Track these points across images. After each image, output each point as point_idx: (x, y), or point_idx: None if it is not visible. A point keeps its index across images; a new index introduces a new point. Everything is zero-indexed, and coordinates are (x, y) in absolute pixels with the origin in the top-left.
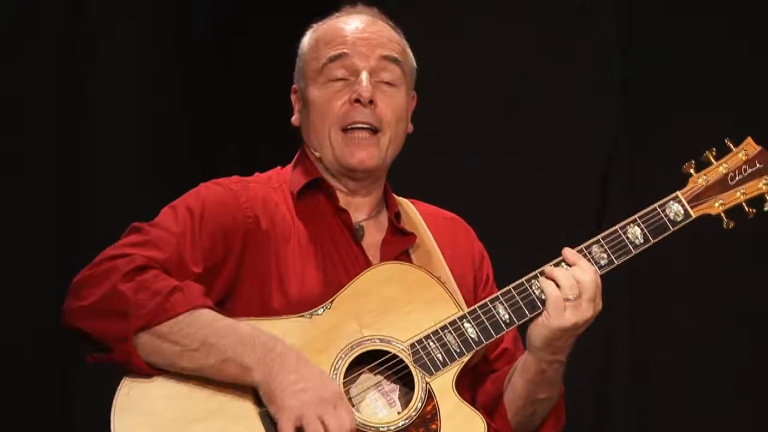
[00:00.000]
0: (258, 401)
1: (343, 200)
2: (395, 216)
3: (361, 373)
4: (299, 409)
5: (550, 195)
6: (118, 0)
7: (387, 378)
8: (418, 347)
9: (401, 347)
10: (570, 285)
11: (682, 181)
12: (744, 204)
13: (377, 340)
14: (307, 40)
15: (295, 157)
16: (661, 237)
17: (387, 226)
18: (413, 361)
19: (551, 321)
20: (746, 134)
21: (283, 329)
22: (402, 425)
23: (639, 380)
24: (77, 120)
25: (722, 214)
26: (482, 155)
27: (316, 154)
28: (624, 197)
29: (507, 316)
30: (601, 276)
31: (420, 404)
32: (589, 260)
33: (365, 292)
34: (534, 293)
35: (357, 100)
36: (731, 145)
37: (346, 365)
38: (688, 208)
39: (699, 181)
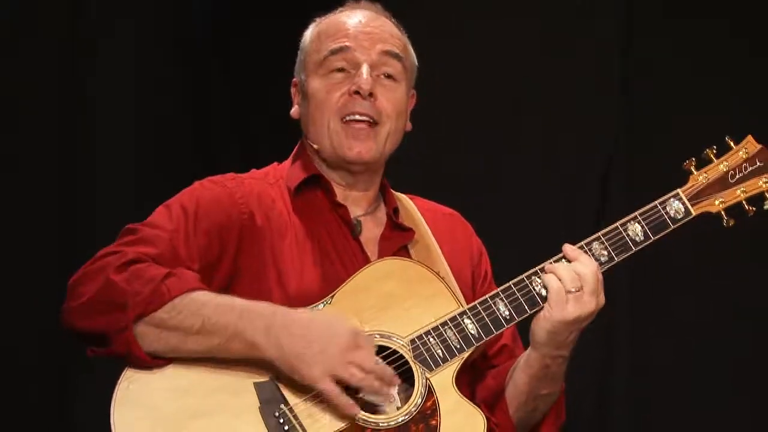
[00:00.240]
0: (259, 396)
1: (340, 195)
2: (393, 211)
3: None
4: (329, 370)
5: (550, 194)
6: (118, 0)
7: None
8: (418, 343)
9: (401, 343)
10: (571, 278)
11: (682, 180)
12: (744, 202)
13: (377, 336)
14: (309, 33)
15: (293, 153)
16: (662, 234)
17: (385, 221)
18: (413, 356)
19: (553, 314)
20: (746, 134)
21: None
22: (402, 421)
23: (639, 375)
24: (77, 120)
25: (722, 212)
26: (482, 155)
27: (315, 146)
28: (624, 197)
29: (507, 313)
30: (601, 272)
31: (420, 400)
32: (589, 257)
33: (365, 287)
34: (534, 290)
35: (356, 92)
36: (732, 143)
37: None
38: (689, 206)
39: (699, 178)
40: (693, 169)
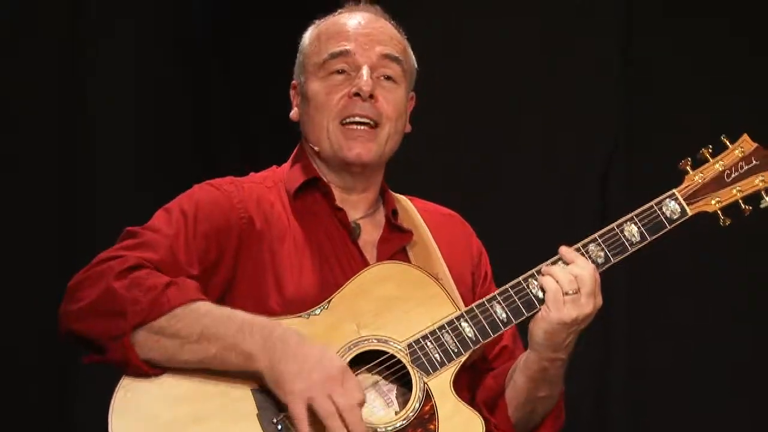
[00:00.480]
0: (257, 403)
1: (339, 198)
2: (392, 213)
3: (358, 374)
4: (308, 391)
5: (550, 193)
6: (118, 0)
7: (385, 378)
8: (415, 347)
9: (399, 347)
10: (568, 280)
11: (680, 179)
12: (740, 201)
13: (375, 341)
14: (308, 35)
15: (292, 156)
16: (658, 235)
17: (384, 223)
18: (411, 361)
19: (551, 315)
20: (746, 133)
21: None
22: (400, 426)
23: (637, 377)
24: (77, 120)
25: (719, 212)
26: (482, 154)
27: (315, 148)
28: (624, 196)
29: (504, 315)
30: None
31: (418, 404)
32: (585, 258)
33: (363, 292)
34: (531, 292)
35: (356, 94)
36: (727, 142)
37: None
38: (685, 206)
39: (695, 178)
40: (689, 169)
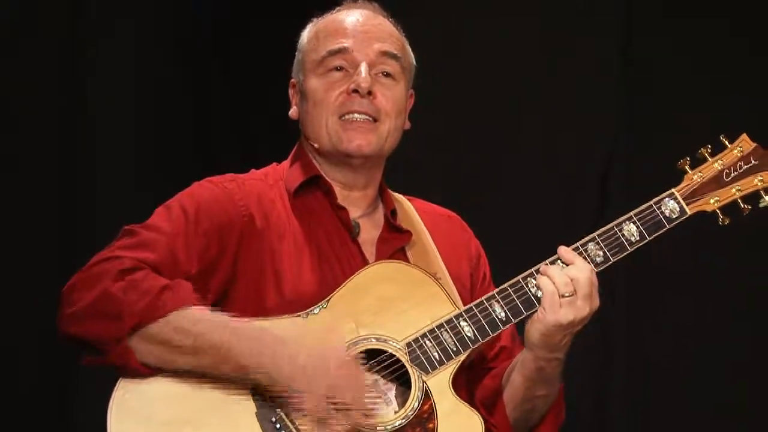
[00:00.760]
0: (255, 402)
1: (340, 196)
2: (391, 213)
3: None
4: (316, 411)
5: (550, 193)
6: (118, 0)
7: (384, 377)
8: (414, 346)
9: (398, 346)
10: (564, 282)
11: (680, 179)
12: (739, 200)
13: (374, 340)
14: (306, 34)
15: (292, 153)
16: (657, 234)
17: (383, 222)
18: (410, 360)
19: (547, 316)
20: (745, 133)
21: None
22: (399, 424)
23: (637, 376)
24: (77, 120)
25: (717, 211)
26: (482, 154)
27: (315, 144)
28: (624, 196)
29: (503, 314)
30: (597, 273)
31: (417, 403)
32: (584, 258)
33: (361, 291)
34: (530, 291)
35: (355, 90)
36: (726, 141)
37: None
38: (684, 205)
39: (694, 177)
40: (688, 168)
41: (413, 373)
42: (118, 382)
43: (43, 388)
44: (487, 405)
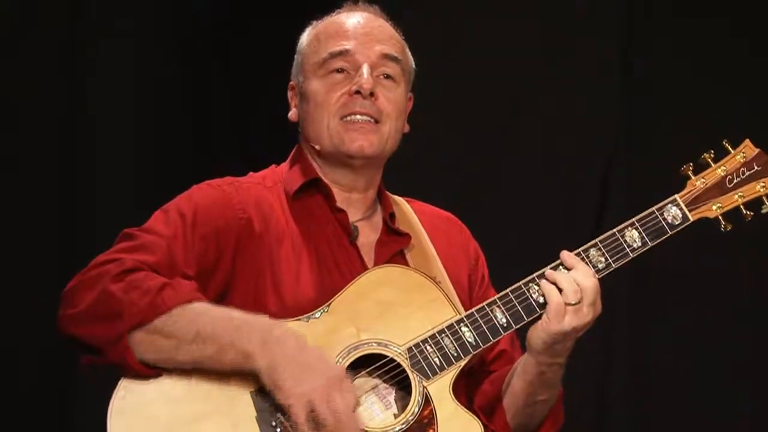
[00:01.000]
0: (256, 405)
1: (339, 198)
2: (390, 216)
3: (358, 377)
4: (308, 395)
5: (550, 196)
6: (118, 0)
7: (384, 382)
8: (415, 351)
9: (399, 351)
10: (573, 290)
11: (682, 183)
12: (742, 207)
13: (375, 344)
14: (306, 36)
15: (291, 156)
16: (659, 240)
17: (381, 225)
18: (410, 365)
19: (551, 325)
20: (746, 135)
21: None
22: (399, 429)
23: (638, 378)
24: (77, 120)
25: (720, 218)
26: (482, 157)
27: (316, 147)
28: (624, 198)
29: (504, 320)
30: (599, 279)
31: (417, 408)
32: (586, 263)
33: (363, 295)
34: (531, 297)
35: (357, 92)
36: (729, 147)
37: None
38: (686, 212)
39: (697, 183)
40: (690, 174)
41: (414, 378)
42: (119, 383)
43: (43, 389)
44: (486, 410)
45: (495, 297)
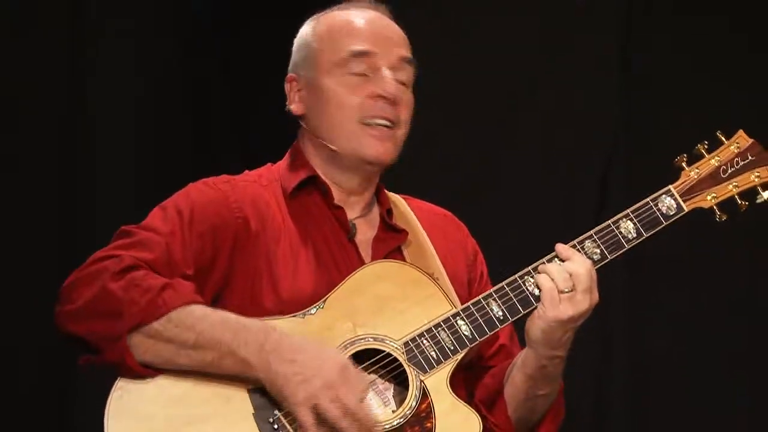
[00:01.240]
0: (253, 403)
1: (337, 196)
2: (387, 212)
3: None
4: (312, 399)
5: (548, 193)
6: (118, 0)
7: (381, 377)
8: (411, 345)
9: (395, 346)
10: (563, 278)
11: (677, 175)
12: (736, 197)
13: (371, 339)
14: (313, 30)
15: (287, 154)
16: (654, 231)
17: (378, 222)
18: (407, 359)
19: (547, 313)
20: (745, 131)
21: None
22: (397, 424)
23: (637, 371)
24: (77, 120)
25: (715, 207)
26: (480, 153)
27: (333, 147)
28: (623, 195)
29: (500, 313)
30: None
31: (414, 402)
32: (582, 255)
33: (358, 290)
34: (527, 289)
35: (380, 96)
36: (723, 137)
37: None
38: (681, 202)
39: (691, 174)
40: (684, 165)
41: (411, 372)
42: (116, 383)
43: (43, 389)
44: (487, 404)
45: (491, 290)
